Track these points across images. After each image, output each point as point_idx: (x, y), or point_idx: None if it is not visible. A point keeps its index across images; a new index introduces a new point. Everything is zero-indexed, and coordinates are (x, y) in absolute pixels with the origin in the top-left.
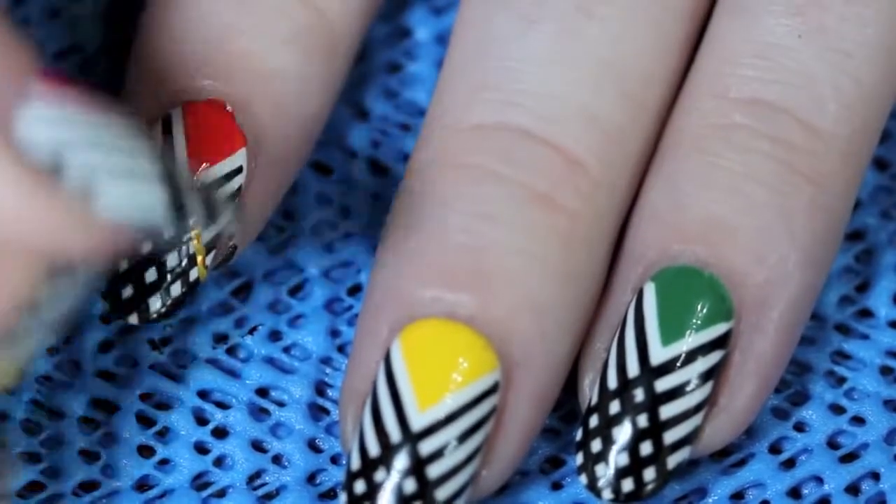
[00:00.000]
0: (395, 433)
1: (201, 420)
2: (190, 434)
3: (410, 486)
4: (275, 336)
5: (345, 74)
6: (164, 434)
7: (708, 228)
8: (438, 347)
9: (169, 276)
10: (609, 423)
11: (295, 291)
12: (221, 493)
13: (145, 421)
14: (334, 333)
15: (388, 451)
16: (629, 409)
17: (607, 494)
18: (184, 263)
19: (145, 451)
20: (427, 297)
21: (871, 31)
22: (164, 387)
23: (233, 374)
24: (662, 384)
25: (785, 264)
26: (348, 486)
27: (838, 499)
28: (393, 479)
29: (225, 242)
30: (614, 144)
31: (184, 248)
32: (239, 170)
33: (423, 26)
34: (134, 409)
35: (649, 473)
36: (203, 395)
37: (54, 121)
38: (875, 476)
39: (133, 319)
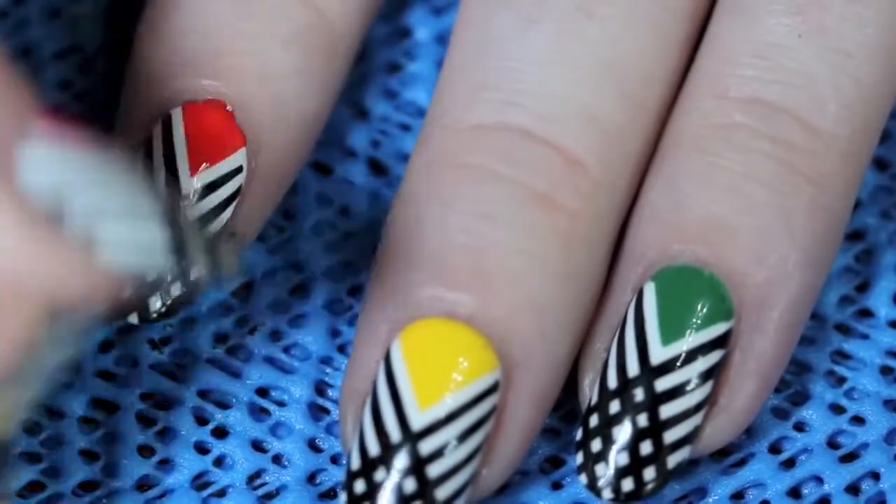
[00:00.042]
0: (395, 433)
1: (201, 420)
2: (190, 434)
3: (410, 485)
4: (275, 336)
5: (345, 74)
6: (164, 434)
7: (708, 228)
8: (438, 347)
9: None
10: (609, 422)
11: (295, 291)
12: (221, 493)
13: (145, 421)
14: (334, 333)
15: (388, 450)
16: (629, 409)
17: (607, 494)
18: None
19: (145, 451)
20: (427, 297)
21: (872, 31)
22: (165, 387)
23: (233, 373)
24: (662, 384)
25: (785, 264)
26: (348, 486)
27: (838, 499)
28: (393, 479)
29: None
30: (614, 144)
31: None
32: (239, 169)
33: (423, 26)
34: (134, 408)
35: (649, 473)
36: (203, 394)
37: (55, 161)
38: (875, 476)
39: (133, 319)
